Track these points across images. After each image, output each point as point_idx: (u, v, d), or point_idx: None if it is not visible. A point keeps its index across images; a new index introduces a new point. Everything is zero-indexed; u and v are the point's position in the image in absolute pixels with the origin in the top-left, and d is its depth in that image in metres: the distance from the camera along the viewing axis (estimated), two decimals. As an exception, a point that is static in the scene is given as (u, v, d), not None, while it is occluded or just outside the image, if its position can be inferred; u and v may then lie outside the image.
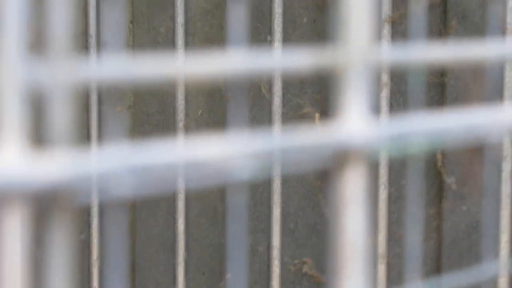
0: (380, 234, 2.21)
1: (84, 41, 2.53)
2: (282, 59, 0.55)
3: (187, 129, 2.27)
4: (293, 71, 0.55)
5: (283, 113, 2.14)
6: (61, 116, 0.46)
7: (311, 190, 2.22)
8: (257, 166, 0.53)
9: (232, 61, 0.54)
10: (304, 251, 2.34)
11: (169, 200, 2.39)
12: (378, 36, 1.94)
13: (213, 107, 2.24)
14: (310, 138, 0.54)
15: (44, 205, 0.45)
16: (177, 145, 0.50)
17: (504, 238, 2.18)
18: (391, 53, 0.61)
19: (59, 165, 0.44)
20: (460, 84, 1.97)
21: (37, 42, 0.45)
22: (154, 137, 2.31)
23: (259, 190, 2.24)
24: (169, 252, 2.55)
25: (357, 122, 0.56)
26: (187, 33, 2.27)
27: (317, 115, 2.15)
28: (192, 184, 0.56)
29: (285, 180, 2.20)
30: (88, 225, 2.59)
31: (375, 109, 1.91)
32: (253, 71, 0.54)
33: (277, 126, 2.15)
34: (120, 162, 0.47)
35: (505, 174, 2.08)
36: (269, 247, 2.25)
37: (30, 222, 0.45)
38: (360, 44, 0.55)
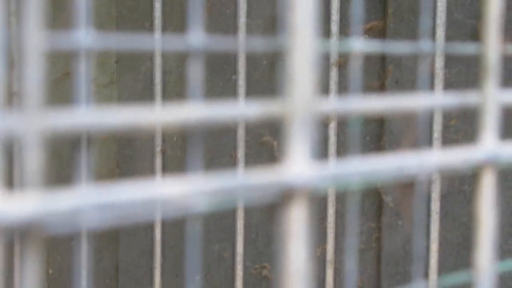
0: (329, 244, 2.21)
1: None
2: (237, 110, 0.54)
3: (164, 153, 2.25)
4: (249, 119, 0.54)
5: (246, 141, 2.14)
6: (32, 161, 0.44)
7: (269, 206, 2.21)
8: (213, 202, 0.52)
9: (194, 112, 0.52)
10: (263, 258, 2.34)
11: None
12: (327, 78, 1.95)
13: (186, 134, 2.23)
14: (259, 178, 0.53)
15: (16, 238, 0.44)
16: (141, 184, 0.49)
17: (433, 248, 2.19)
18: (331, 105, 0.60)
19: (30, 203, 0.43)
20: (395, 131, 1.97)
21: (9, 96, 0.44)
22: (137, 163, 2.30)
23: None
24: (148, 256, 2.54)
25: (301, 164, 0.55)
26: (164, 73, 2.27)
27: (275, 143, 2.15)
28: (153, 218, 0.54)
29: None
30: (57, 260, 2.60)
31: (322, 152, 1.92)
32: (213, 119, 0.53)
33: (241, 152, 2.14)
34: (87, 200, 0.46)
35: (434, 195, 2.09)
36: (233, 254, 2.24)
37: (4, 253, 0.43)
38: (304, 97, 0.55)
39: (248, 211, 2.20)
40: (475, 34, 1.86)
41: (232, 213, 2.22)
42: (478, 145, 0.69)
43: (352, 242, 0.66)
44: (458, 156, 0.66)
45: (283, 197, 0.56)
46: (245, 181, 0.54)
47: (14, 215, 0.44)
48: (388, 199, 2.11)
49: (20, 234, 0.45)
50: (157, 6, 2.37)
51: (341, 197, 2.12)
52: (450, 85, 1.97)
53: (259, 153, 2.18)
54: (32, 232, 0.46)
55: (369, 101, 0.62)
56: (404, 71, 1.95)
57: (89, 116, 0.49)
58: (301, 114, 0.56)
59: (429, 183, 1.86)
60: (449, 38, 1.91)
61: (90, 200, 0.47)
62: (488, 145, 0.69)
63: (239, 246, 2.23)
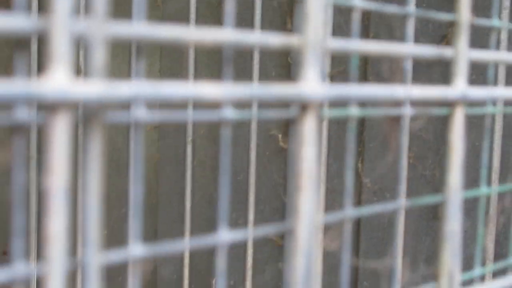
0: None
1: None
2: (263, 38, 0.51)
3: (193, 143, 2.21)
4: (273, 47, 0.52)
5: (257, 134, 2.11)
6: (98, 57, 0.41)
7: (276, 183, 2.17)
8: (239, 110, 0.49)
9: (228, 35, 0.50)
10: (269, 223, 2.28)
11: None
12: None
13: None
14: (282, 91, 0.50)
15: (83, 114, 0.41)
16: (187, 85, 0.45)
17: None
18: (336, 42, 0.57)
19: (95, 87, 0.40)
20: (383, 74, 1.94)
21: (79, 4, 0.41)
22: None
23: (240, 178, 2.18)
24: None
25: (313, 83, 0.52)
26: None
27: (279, 136, 2.12)
28: (196, 117, 0.51)
29: (260, 177, 2.16)
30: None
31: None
32: (243, 43, 0.50)
33: (253, 140, 2.11)
34: (140, 91, 0.43)
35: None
36: (246, 222, 2.19)
37: (72, 126, 0.40)
38: (316, 33, 0.52)
39: (258, 187, 2.16)
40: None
41: (246, 189, 2.18)
42: (452, 86, 0.66)
43: (349, 162, 0.63)
44: (437, 92, 0.64)
45: (300, 107, 0.53)
46: (272, 90, 0.51)
47: (83, 95, 0.41)
48: (366, 180, 2.07)
49: (85, 113, 0.43)
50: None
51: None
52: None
53: (267, 144, 2.15)
54: (96, 112, 0.43)
55: (366, 44, 0.60)
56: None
57: (144, 28, 0.46)
58: (314, 45, 0.54)
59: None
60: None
61: (147, 90, 0.44)
62: (460, 87, 0.66)
63: (250, 215, 2.18)
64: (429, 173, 1.90)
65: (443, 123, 1.81)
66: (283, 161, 2.09)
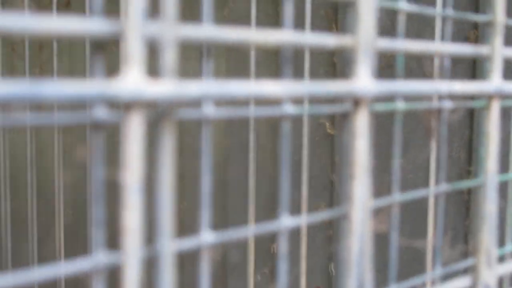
0: None
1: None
2: (319, 38, 0.46)
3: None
4: (328, 47, 0.47)
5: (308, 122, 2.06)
6: (169, 58, 0.36)
7: (325, 164, 2.13)
8: (299, 106, 0.44)
9: (289, 36, 0.44)
10: (319, 197, 2.20)
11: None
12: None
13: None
14: (337, 87, 0.44)
15: (155, 113, 0.36)
16: (251, 84, 0.40)
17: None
18: (384, 42, 0.51)
19: (167, 87, 0.34)
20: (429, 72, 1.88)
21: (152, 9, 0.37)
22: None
23: (296, 158, 2.14)
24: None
25: (365, 80, 0.46)
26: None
27: (327, 124, 2.08)
28: (258, 113, 0.46)
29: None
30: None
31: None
32: (304, 43, 0.45)
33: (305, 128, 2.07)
34: (209, 90, 0.37)
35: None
36: (299, 197, 2.12)
37: (145, 124, 0.35)
38: (367, 33, 0.46)
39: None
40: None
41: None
42: (488, 81, 0.60)
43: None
44: (475, 87, 0.57)
45: (353, 102, 0.47)
46: (327, 87, 0.45)
47: (155, 94, 0.36)
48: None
49: (158, 111, 0.38)
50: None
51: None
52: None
53: (317, 131, 2.10)
54: (168, 110, 0.38)
55: (410, 44, 0.54)
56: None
57: (212, 30, 0.40)
58: (365, 45, 0.48)
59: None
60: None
61: (214, 89, 0.39)
62: (496, 82, 0.59)
63: (304, 188, 2.12)
64: (455, 155, 1.82)
65: (468, 112, 1.75)
66: (330, 145, 2.04)
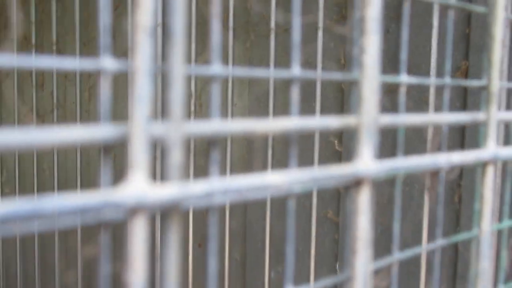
0: None
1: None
2: (323, 121, 0.42)
3: (273, 149, 2.12)
4: (333, 127, 0.42)
5: (319, 139, 2.01)
6: (175, 158, 0.32)
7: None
8: (305, 187, 0.40)
9: (295, 123, 0.40)
10: (328, 206, 2.17)
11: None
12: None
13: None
14: (340, 170, 0.40)
15: (161, 214, 0.32)
16: (255, 177, 0.36)
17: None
18: (385, 119, 0.47)
19: (173, 189, 0.30)
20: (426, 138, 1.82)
21: (155, 109, 0.32)
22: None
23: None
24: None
25: (368, 160, 0.42)
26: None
27: (336, 141, 2.02)
28: (266, 195, 0.42)
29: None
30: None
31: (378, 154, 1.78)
32: (309, 128, 0.41)
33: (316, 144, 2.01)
34: (213, 188, 0.33)
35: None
36: (311, 205, 2.08)
37: (150, 225, 0.31)
38: (370, 114, 0.42)
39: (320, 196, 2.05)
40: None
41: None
42: (484, 149, 0.55)
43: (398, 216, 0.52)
44: (471, 155, 0.53)
45: (355, 183, 0.43)
46: (331, 172, 0.41)
47: (159, 198, 0.32)
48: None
49: (163, 212, 0.34)
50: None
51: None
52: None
53: (327, 148, 2.04)
54: (174, 210, 0.34)
55: (410, 117, 0.49)
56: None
57: (217, 125, 0.36)
58: (368, 125, 0.44)
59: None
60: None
61: (218, 187, 0.35)
62: (491, 149, 0.55)
63: (314, 200, 2.07)
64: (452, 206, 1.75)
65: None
66: (338, 160, 1.98)
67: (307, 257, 2.11)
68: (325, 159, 2.00)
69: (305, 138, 2.02)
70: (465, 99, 1.69)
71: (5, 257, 3.02)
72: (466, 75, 1.72)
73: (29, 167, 2.90)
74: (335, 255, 2.04)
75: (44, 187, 2.81)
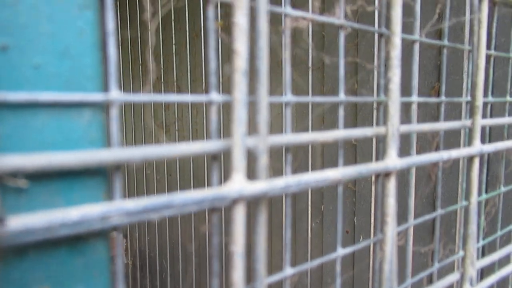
0: None
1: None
2: (362, 131, 0.37)
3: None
4: (368, 136, 0.38)
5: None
6: (262, 162, 0.28)
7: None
8: (351, 178, 0.35)
9: (341, 134, 0.36)
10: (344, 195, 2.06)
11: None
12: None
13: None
14: (372, 166, 0.36)
15: (255, 203, 0.28)
16: (315, 174, 0.32)
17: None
18: (403, 127, 0.42)
19: (261, 184, 0.27)
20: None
21: (251, 125, 0.29)
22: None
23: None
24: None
25: (394, 158, 0.38)
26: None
27: (357, 143, 1.90)
28: (315, 186, 0.38)
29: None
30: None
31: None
32: (351, 136, 0.36)
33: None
34: (290, 183, 0.30)
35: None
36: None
37: (248, 212, 0.28)
38: (394, 125, 0.37)
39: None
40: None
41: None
42: (472, 147, 0.49)
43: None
44: (464, 151, 0.47)
45: (385, 174, 0.38)
46: (369, 167, 0.37)
47: (253, 192, 0.29)
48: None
49: (255, 201, 0.30)
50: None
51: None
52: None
53: (347, 143, 1.94)
54: (263, 199, 0.30)
55: (421, 125, 0.44)
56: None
57: (290, 137, 0.33)
58: (393, 133, 0.39)
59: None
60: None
61: (293, 181, 0.31)
62: (477, 146, 0.49)
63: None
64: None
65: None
66: (354, 152, 1.88)
67: (336, 213, 2.05)
68: (346, 150, 1.93)
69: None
70: (438, 111, 1.60)
71: (150, 237, 3.06)
72: (438, 93, 1.63)
73: (162, 172, 2.92)
74: (353, 211, 1.98)
75: (171, 188, 2.82)
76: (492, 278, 0.54)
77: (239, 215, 0.28)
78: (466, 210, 0.51)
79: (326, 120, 1.98)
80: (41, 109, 0.23)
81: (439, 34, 1.54)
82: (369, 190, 1.88)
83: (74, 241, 0.25)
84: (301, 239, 2.16)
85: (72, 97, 0.24)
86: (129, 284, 3.19)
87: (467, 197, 0.51)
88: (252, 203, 0.31)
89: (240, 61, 0.28)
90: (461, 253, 0.57)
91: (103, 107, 0.26)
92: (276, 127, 2.08)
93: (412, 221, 0.48)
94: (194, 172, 2.60)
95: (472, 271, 0.50)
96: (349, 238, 1.98)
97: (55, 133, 0.24)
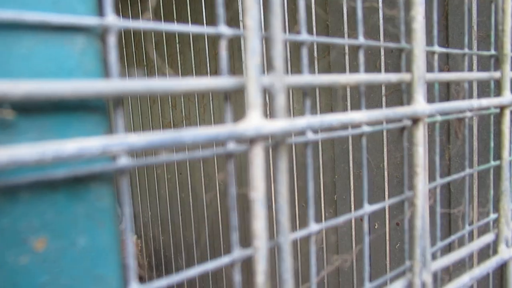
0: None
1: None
2: (386, 77, 0.34)
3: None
4: (392, 82, 0.34)
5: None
6: (279, 103, 0.25)
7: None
8: (371, 124, 0.32)
9: (364, 77, 0.33)
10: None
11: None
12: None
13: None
14: (400, 110, 0.32)
15: (274, 142, 0.25)
16: (341, 115, 0.29)
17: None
18: (428, 75, 0.39)
19: (281, 123, 0.23)
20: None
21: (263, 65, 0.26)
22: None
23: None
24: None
25: (422, 103, 0.34)
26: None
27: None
28: (345, 134, 0.35)
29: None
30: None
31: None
32: (377, 82, 0.33)
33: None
34: (311, 123, 0.26)
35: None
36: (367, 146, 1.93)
37: (266, 151, 0.24)
38: (420, 70, 0.34)
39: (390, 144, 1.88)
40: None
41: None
42: (503, 96, 0.45)
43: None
44: (495, 101, 0.44)
45: (413, 121, 0.35)
46: (396, 111, 0.34)
47: (272, 130, 0.25)
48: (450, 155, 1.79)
49: (275, 143, 0.27)
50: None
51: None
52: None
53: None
54: (283, 141, 0.27)
55: (445, 75, 0.41)
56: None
57: (309, 77, 0.29)
58: (420, 78, 0.35)
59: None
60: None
61: (314, 121, 0.28)
62: (509, 96, 0.45)
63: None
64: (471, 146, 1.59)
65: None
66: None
67: (349, 202, 2.00)
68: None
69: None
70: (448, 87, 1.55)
71: (161, 212, 3.03)
72: (448, 70, 1.57)
73: (172, 171, 2.89)
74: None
75: (182, 186, 2.78)
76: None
77: (258, 156, 0.25)
78: (498, 168, 0.47)
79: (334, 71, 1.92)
80: (27, 32, 0.20)
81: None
82: (382, 177, 1.83)
83: (73, 185, 0.22)
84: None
85: (62, 19, 0.21)
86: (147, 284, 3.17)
87: (499, 153, 0.47)
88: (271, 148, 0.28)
89: (250, -16, 0.25)
90: (492, 216, 0.53)
91: (99, 35, 0.22)
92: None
93: (439, 180, 0.45)
94: (205, 170, 2.58)
95: (507, 231, 0.47)
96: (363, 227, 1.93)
97: (44, 61, 0.21)
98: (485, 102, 0.42)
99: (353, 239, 1.96)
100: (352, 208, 2.01)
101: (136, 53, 3.00)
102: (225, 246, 2.40)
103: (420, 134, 0.35)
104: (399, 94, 1.68)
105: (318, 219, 2.09)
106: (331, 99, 1.89)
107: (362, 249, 1.85)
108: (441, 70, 1.59)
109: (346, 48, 1.81)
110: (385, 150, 1.79)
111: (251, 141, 0.25)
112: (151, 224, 3.15)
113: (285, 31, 1.98)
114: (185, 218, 2.78)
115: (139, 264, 3.22)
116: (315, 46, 1.89)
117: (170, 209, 2.91)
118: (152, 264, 3.17)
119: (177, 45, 2.67)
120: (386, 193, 1.81)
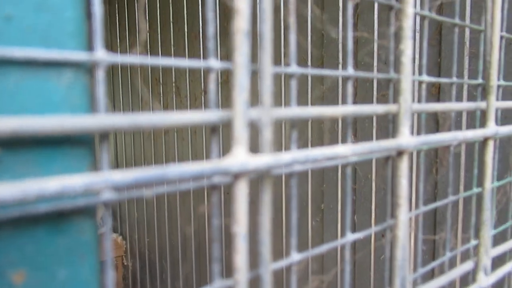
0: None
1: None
2: (372, 108, 0.34)
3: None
4: (380, 113, 0.35)
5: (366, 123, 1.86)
6: (266, 135, 0.25)
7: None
8: (360, 157, 0.32)
9: (350, 109, 0.33)
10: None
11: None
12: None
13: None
14: (384, 144, 0.33)
15: (257, 176, 0.25)
16: (325, 149, 0.29)
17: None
18: (415, 106, 0.39)
19: (265, 158, 0.24)
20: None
21: (251, 100, 0.26)
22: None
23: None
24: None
25: (407, 136, 0.35)
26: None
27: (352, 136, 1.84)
28: (322, 164, 0.35)
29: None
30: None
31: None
32: (368, 113, 0.34)
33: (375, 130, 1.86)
34: (296, 158, 0.26)
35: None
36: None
37: (250, 186, 0.24)
38: (407, 103, 0.34)
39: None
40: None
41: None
42: (487, 128, 0.46)
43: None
44: (480, 133, 0.44)
45: (397, 153, 0.36)
46: (381, 145, 0.34)
47: (256, 166, 0.26)
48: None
49: (259, 175, 0.27)
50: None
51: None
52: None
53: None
54: (267, 175, 0.27)
55: (433, 105, 0.41)
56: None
57: (296, 110, 0.30)
58: (406, 110, 0.36)
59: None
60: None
61: (299, 156, 0.28)
62: (493, 127, 0.46)
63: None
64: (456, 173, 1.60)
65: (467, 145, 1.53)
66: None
67: (336, 212, 2.01)
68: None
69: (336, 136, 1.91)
70: (438, 98, 1.57)
71: (148, 214, 3.02)
72: (439, 89, 1.60)
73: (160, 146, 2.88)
74: (354, 210, 1.94)
75: (168, 160, 2.75)
76: (508, 267, 0.52)
77: (242, 191, 0.25)
78: (480, 196, 0.48)
79: (326, 101, 1.93)
80: (13, 67, 0.20)
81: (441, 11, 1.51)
82: (370, 188, 1.84)
83: (55, 218, 0.22)
84: (301, 237, 2.12)
85: (50, 55, 0.21)
86: (130, 286, 3.15)
87: (481, 182, 0.48)
88: (253, 183, 0.28)
89: (241, 21, 0.25)
90: (472, 242, 0.54)
91: (87, 70, 0.23)
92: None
93: (422, 208, 0.46)
94: (193, 149, 2.55)
95: (486, 260, 0.47)
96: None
97: (30, 96, 0.21)
98: (470, 134, 0.42)
99: (338, 256, 1.96)
100: (339, 218, 2.01)
101: (127, 84, 2.97)
102: (210, 248, 2.40)
103: (404, 166, 0.36)
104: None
105: (304, 228, 2.09)
106: (321, 131, 1.90)
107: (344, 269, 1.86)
108: (433, 84, 1.61)
109: (340, 78, 1.81)
110: (373, 161, 1.80)
111: (236, 176, 0.26)
112: (137, 225, 3.13)
113: (280, 63, 1.97)
114: (171, 221, 2.77)
115: (123, 265, 3.19)
116: (308, 78, 1.89)
117: (157, 212, 2.89)
118: (137, 266, 3.15)
119: (173, 83, 2.65)
120: (373, 204, 1.82)
